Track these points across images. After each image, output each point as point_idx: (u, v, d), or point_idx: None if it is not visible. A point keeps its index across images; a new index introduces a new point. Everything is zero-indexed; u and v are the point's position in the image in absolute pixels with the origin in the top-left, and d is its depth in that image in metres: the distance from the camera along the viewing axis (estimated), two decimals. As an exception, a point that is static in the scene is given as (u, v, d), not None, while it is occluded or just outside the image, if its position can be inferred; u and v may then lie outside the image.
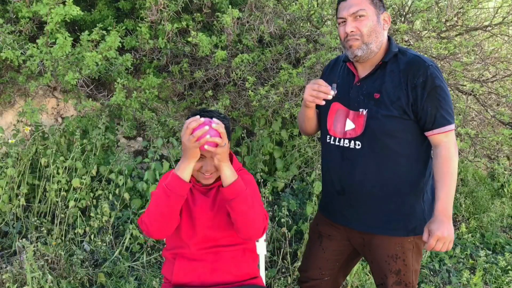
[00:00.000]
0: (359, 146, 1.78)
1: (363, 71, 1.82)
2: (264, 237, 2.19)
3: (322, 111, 1.91)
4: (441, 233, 1.62)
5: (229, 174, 1.59)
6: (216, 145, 1.54)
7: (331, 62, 2.04)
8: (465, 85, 3.57)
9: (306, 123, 1.98)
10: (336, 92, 1.78)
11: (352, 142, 1.79)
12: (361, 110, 1.77)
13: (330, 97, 1.76)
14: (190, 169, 1.59)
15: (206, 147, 1.53)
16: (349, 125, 1.80)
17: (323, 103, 1.78)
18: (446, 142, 1.71)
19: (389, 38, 1.82)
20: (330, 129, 1.87)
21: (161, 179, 1.77)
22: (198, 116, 1.56)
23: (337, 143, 1.84)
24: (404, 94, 1.71)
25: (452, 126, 1.72)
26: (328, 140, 1.88)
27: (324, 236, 1.98)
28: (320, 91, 1.76)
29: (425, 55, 3.33)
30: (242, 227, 1.62)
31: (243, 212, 1.59)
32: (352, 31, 1.72)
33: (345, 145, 1.81)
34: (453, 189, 1.69)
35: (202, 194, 1.78)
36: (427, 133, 1.74)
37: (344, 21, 1.75)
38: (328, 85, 1.77)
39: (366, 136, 1.76)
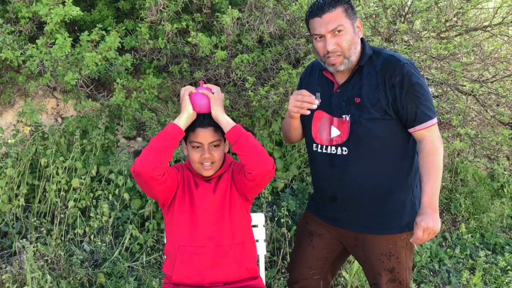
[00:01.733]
0: (346, 152, 1.79)
1: (341, 78, 1.83)
2: (264, 237, 2.19)
3: (306, 120, 1.91)
4: (426, 223, 1.63)
5: (228, 121, 1.76)
6: (210, 93, 1.78)
7: (307, 69, 2.03)
8: (465, 85, 3.57)
9: (292, 133, 1.98)
10: (320, 101, 1.79)
11: (339, 148, 1.80)
12: (344, 116, 1.79)
13: (314, 106, 1.77)
14: (184, 120, 1.76)
15: (201, 91, 1.77)
16: (335, 132, 1.81)
17: (308, 113, 1.79)
18: (429, 137, 1.73)
19: (362, 41, 1.82)
20: (316, 137, 1.87)
21: None
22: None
23: (324, 151, 1.85)
24: (383, 95, 1.72)
25: (434, 121, 1.74)
26: (314, 149, 1.89)
27: (314, 235, 1.99)
28: (304, 101, 1.76)
29: (424, 56, 3.34)
30: (253, 160, 1.72)
31: (250, 146, 1.73)
32: (333, 48, 1.71)
33: (332, 152, 1.82)
34: (439, 182, 1.71)
35: (204, 181, 1.86)
36: (410, 130, 1.76)
37: (322, 37, 1.73)
38: (312, 94, 1.77)
39: (351, 141, 1.77)
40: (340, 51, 1.72)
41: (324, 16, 1.70)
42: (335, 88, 1.84)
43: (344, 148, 1.79)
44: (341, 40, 1.71)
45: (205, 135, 1.79)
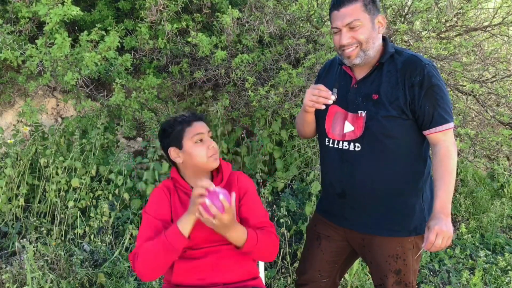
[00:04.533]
0: (359, 148, 1.78)
1: (360, 73, 1.82)
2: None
3: (320, 114, 1.90)
4: (440, 227, 1.61)
5: (238, 237, 1.65)
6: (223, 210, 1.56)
7: (326, 64, 2.02)
8: (464, 86, 3.57)
9: (305, 127, 1.98)
10: (336, 96, 1.78)
11: (352, 144, 1.79)
12: (359, 112, 1.77)
13: (330, 102, 1.76)
14: (191, 224, 1.62)
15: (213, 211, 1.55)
16: (348, 127, 1.80)
17: (323, 107, 1.78)
18: (444, 141, 1.71)
19: (384, 39, 1.81)
20: (329, 132, 1.86)
21: (151, 200, 1.77)
22: (211, 184, 1.57)
23: (335, 146, 1.84)
24: (401, 94, 1.71)
25: (451, 125, 1.72)
26: (326, 143, 1.88)
27: (322, 237, 1.98)
28: (320, 96, 1.76)
29: (425, 56, 3.33)
30: (262, 257, 1.79)
31: (261, 252, 1.73)
32: (348, 42, 1.71)
33: (344, 147, 1.81)
34: (452, 187, 1.69)
35: None
36: (425, 132, 1.74)
37: (339, 31, 1.73)
38: (329, 90, 1.77)
39: (365, 138, 1.76)
40: (356, 43, 1.71)
41: (341, 9, 1.70)
42: (353, 83, 1.82)
43: (357, 144, 1.77)
44: (357, 33, 1.70)
45: (202, 126, 1.78)
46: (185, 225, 1.62)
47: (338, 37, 1.73)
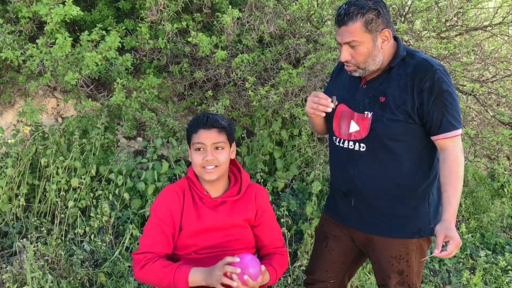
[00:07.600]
0: (364, 149, 1.78)
1: (370, 74, 1.81)
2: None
3: (329, 113, 1.91)
4: (458, 238, 1.61)
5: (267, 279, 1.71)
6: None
7: (339, 63, 2.01)
8: (465, 85, 3.57)
9: (317, 128, 2.00)
10: (336, 103, 1.79)
11: (357, 144, 1.79)
12: (366, 112, 1.77)
13: (329, 109, 1.76)
14: (201, 283, 1.62)
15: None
16: (354, 127, 1.80)
17: (323, 115, 1.78)
18: (452, 147, 1.70)
19: (396, 40, 1.79)
20: (336, 130, 1.87)
21: (163, 202, 1.74)
22: (234, 259, 1.60)
23: (341, 145, 1.84)
24: (410, 98, 1.70)
25: (459, 131, 1.71)
26: (334, 142, 1.89)
27: (329, 237, 1.98)
28: (319, 104, 1.76)
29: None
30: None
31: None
32: (346, 59, 1.71)
33: (350, 147, 1.81)
34: (460, 194, 1.69)
35: (210, 210, 1.75)
36: (433, 138, 1.73)
37: (340, 45, 1.73)
38: (328, 97, 1.77)
39: (370, 139, 1.76)
40: (354, 63, 1.71)
41: (342, 27, 1.68)
42: (362, 83, 1.82)
43: (362, 145, 1.78)
44: (356, 53, 1.69)
45: (208, 136, 1.69)
46: (195, 278, 1.62)
47: (340, 50, 1.74)
